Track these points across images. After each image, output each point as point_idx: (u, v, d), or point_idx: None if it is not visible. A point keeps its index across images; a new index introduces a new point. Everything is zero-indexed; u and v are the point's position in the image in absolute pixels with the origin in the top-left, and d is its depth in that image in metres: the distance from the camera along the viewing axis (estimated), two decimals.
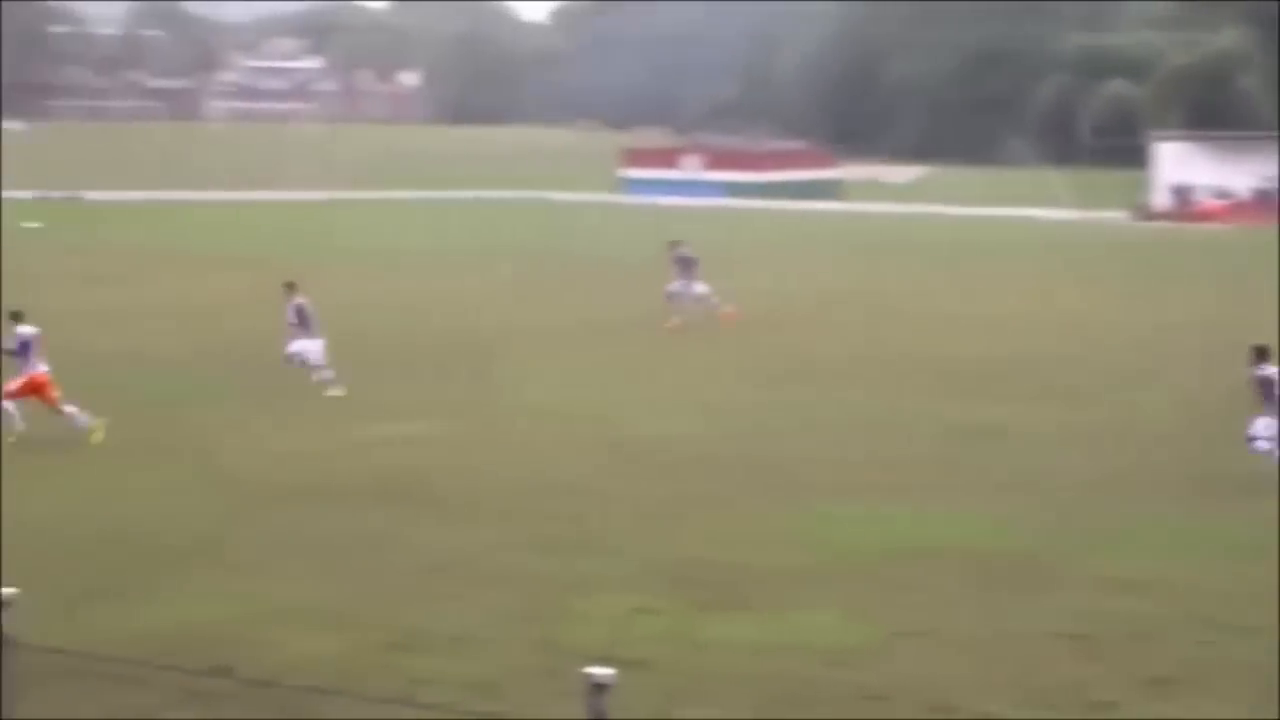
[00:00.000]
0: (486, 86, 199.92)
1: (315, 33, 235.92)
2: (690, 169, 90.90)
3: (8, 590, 9.13)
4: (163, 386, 26.99)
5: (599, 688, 7.72)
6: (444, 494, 19.56)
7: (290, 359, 27.19)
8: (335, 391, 26.53)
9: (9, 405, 22.77)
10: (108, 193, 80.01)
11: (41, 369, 22.89)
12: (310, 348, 27.10)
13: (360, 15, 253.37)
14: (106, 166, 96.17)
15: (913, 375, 29.11)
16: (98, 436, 22.59)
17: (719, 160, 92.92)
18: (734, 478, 20.54)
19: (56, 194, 78.85)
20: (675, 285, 35.58)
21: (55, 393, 22.95)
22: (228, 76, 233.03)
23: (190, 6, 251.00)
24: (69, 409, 22.86)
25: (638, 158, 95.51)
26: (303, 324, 27.20)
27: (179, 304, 38.77)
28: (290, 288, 27.65)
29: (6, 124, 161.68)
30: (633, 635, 13.95)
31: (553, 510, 18.72)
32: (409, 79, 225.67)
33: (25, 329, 23.08)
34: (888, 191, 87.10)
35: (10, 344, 22.99)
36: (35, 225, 61.90)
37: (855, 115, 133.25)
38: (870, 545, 17.19)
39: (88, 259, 48.34)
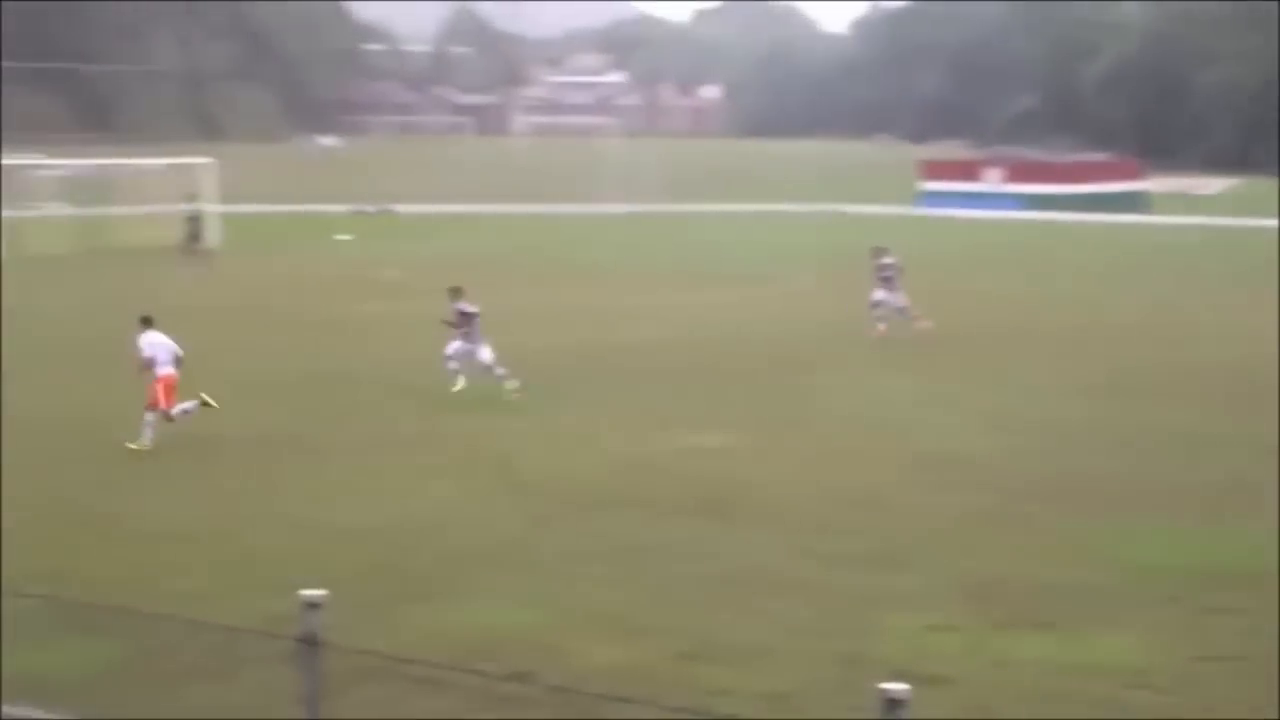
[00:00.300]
0: (786, 99, 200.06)
1: (619, 46, 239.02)
2: (990, 181, 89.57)
3: (318, 592, 9.45)
4: (466, 393, 27.56)
5: (894, 703, 7.68)
6: (743, 504, 19.62)
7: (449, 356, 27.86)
8: (460, 385, 27.23)
9: (175, 411, 23.42)
10: (416, 206, 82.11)
11: (169, 371, 23.54)
12: (464, 351, 27.70)
13: (663, 29, 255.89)
14: (415, 180, 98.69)
15: (1222, 392, 28.25)
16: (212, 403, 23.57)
17: (1020, 172, 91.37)
18: (1034, 493, 20.20)
19: (368, 207, 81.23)
20: (879, 294, 35.31)
21: (172, 401, 23.53)
22: (533, 91, 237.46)
23: (499, 22, 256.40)
24: (179, 408, 23.53)
25: (936, 170, 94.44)
26: (464, 327, 27.82)
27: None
28: (455, 292, 28.38)
29: (321, 139, 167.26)
30: (929, 651, 13.83)
31: (849, 523, 18.66)
32: (710, 92, 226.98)
33: (155, 336, 23.83)
34: (1197, 204, 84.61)
35: (145, 351, 23.60)
36: (346, 238, 63.84)
37: (1163, 125, 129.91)
38: (1173, 566, 16.75)
39: (393, 270, 49.63)
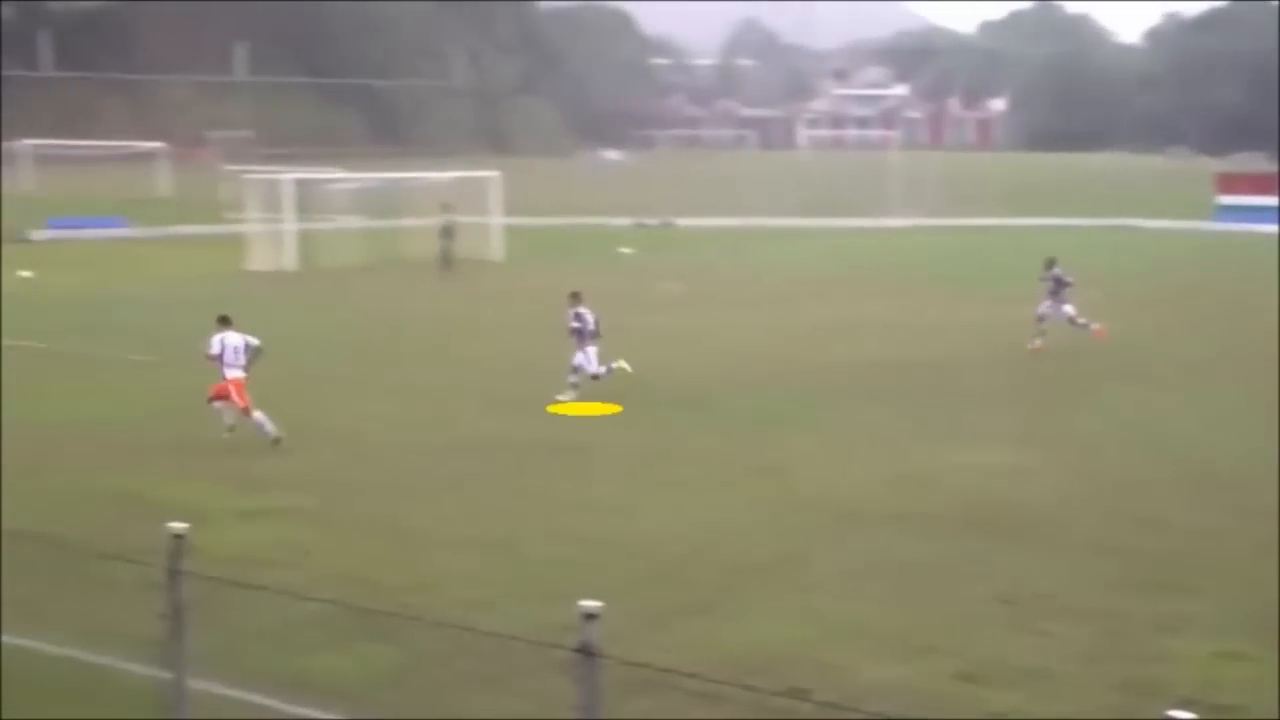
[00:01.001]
0: (1075, 111, 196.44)
1: (904, 58, 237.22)
2: None
3: (595, 604, 9.51)
4: (748, 407, 27.61)
5: None
6: (1019, 522, 19.27)
7: (578, 374, 28.30)
8: (564, 397, 27.74)
9: (258, 415, 24.15)
10: (698, 219, 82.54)
11: (236, 374, 24.34)
12: (584, 357, 28.34)
13: (949, 39, 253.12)
14: (697, 194, 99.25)
15: None
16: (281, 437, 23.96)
17: None
18: None
19: (650, 221, 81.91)
20: (1045, 306, 35.00)
21: (245, 400, 24.32)
22: (817, 104, 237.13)
23: (786, 35, 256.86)
24: (257, 415, 24.14)
25: (1233, 184, 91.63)
26: (582, 333, 28.41)
27: (761, 327, 39.58)
28: (575, 298, 29.00)
29: (606, 153, 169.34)
30: (1218, 680, 13.40)
31: (1130, 543, 18.19)
32: (997, 105, 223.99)
33: (233, 336, 24.63)
34: None
35: (213, 349, 24.47)
36: (628, 251, 64.44)
37: None
38: None
39: (674, 283, 49.92)
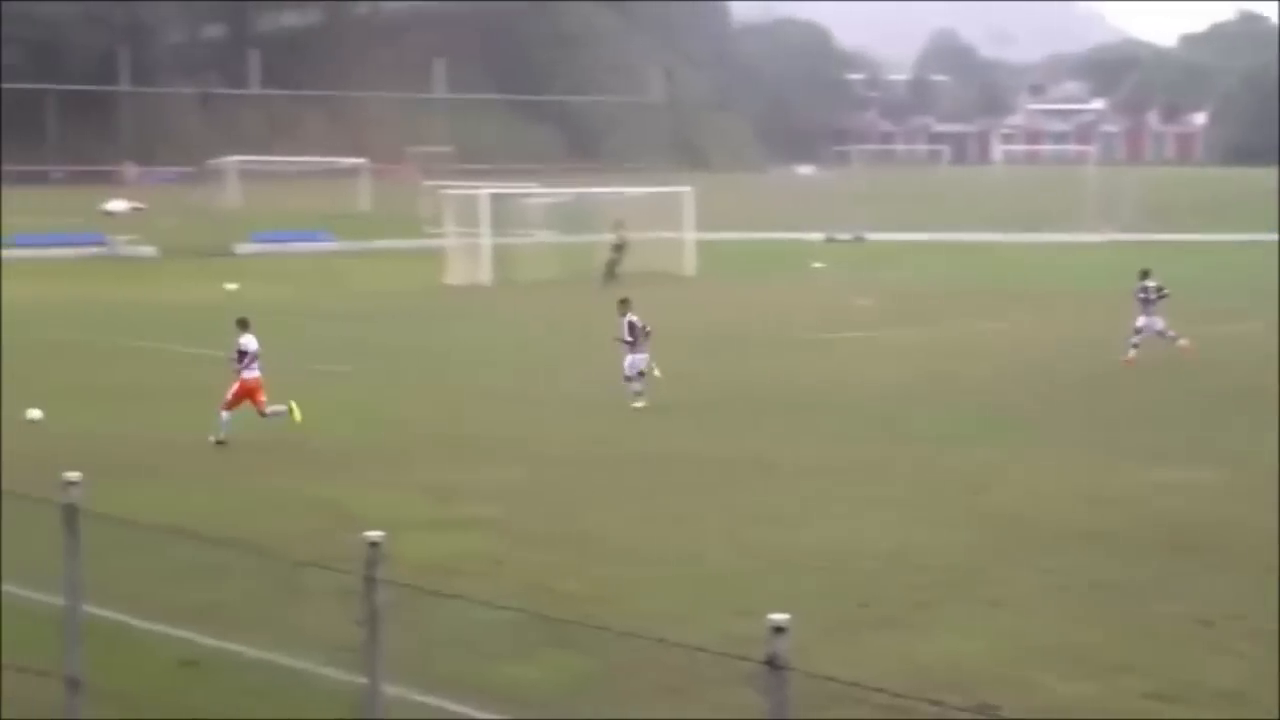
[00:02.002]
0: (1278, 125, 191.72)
1: (1102, 72, 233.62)
2: None
3: (783, 616, 9.56)
4: (937, 421, 27.46)
5: None
6: (1215, 543, 18.92)
7: (628, 377, 29.02)
8: (639, 404, 28.58)
9: (272, 410, 25.39)
10: (891, 234, 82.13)
11: (253, 374, 25.47)
12: (636, 362, 29.07)
13: (1148, 52, 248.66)
14: (890, 208, 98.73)
15: None
16: (296, 416, 25.44)
17: None
18: None
19: (842, 235, 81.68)
20: (1142, 319, 34.98)
21: (262, 398, 25.49)
22: (1011, 119, 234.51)
23: (982, 49, 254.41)
24: (271, 409, 25.36)
25: None
26: (634, 340, 29.18)
27: (949, 341, 39.30)
28: (624, 304, 29.90)
29: (799, 168, 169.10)
30: None
31: None
32: (1198, 119, 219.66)
33: (248, 339, 25.61)
34: None
35: (233, 352, 25.56)
36: (820, 265, 64.37)
37: None
38: None
39: (865, 297, 49.76)
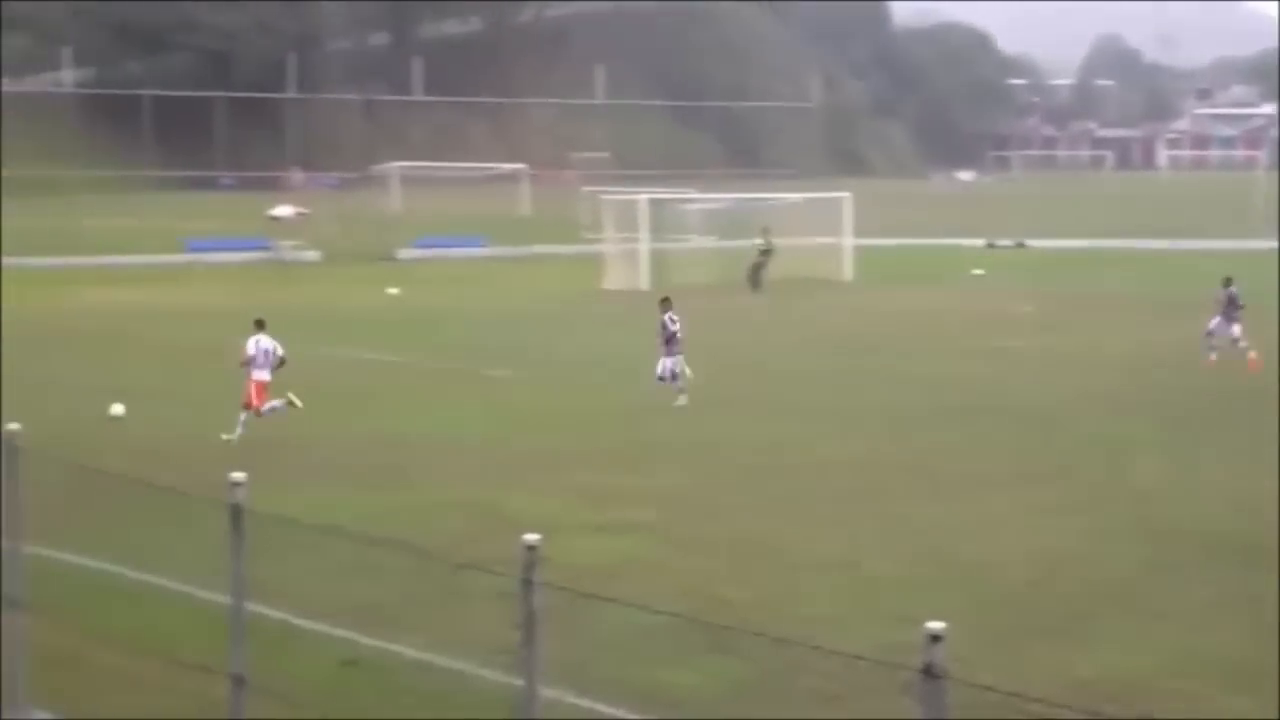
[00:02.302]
0: None
1: (1271, 75, 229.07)
2: None
3: (940, 625, 9.48)
4: (1102, 430, 27.09)
5: None
6: None
7: (676, 381, 29.83)
8: (681, 402, 29.44)
9: (268, 407, 26.13)
10: (1052, 240, 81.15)
11: (263, 376, 26.21)
12: (669, 364, 30.01)
13: None
14: (1052, 215, 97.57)
15: None
16: (296, 403, 26.38)
17: None
18: None
19: (1003, 242, 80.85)
20: (1214, 323, 35.47)
21: (263, 399, 26.20)
22: (1178, 124, 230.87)
23: (1147, 53, 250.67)
24: (268, 406, 26.16)
25: None
26: (668, 341, 30.14)
27: (1111, 349, 38.74)
28: (665, 303, 30.83)
29: (959, 174, 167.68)
30: None
31: None
32: None
33: (265, 340, 26.43)
34: None
35: (249, 350, 26.32)
36: (980, 272, 63.73)
37: None
38: None
39: (1025, 305, 49.21)
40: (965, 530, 19.90)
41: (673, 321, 30.33)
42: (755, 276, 56.35)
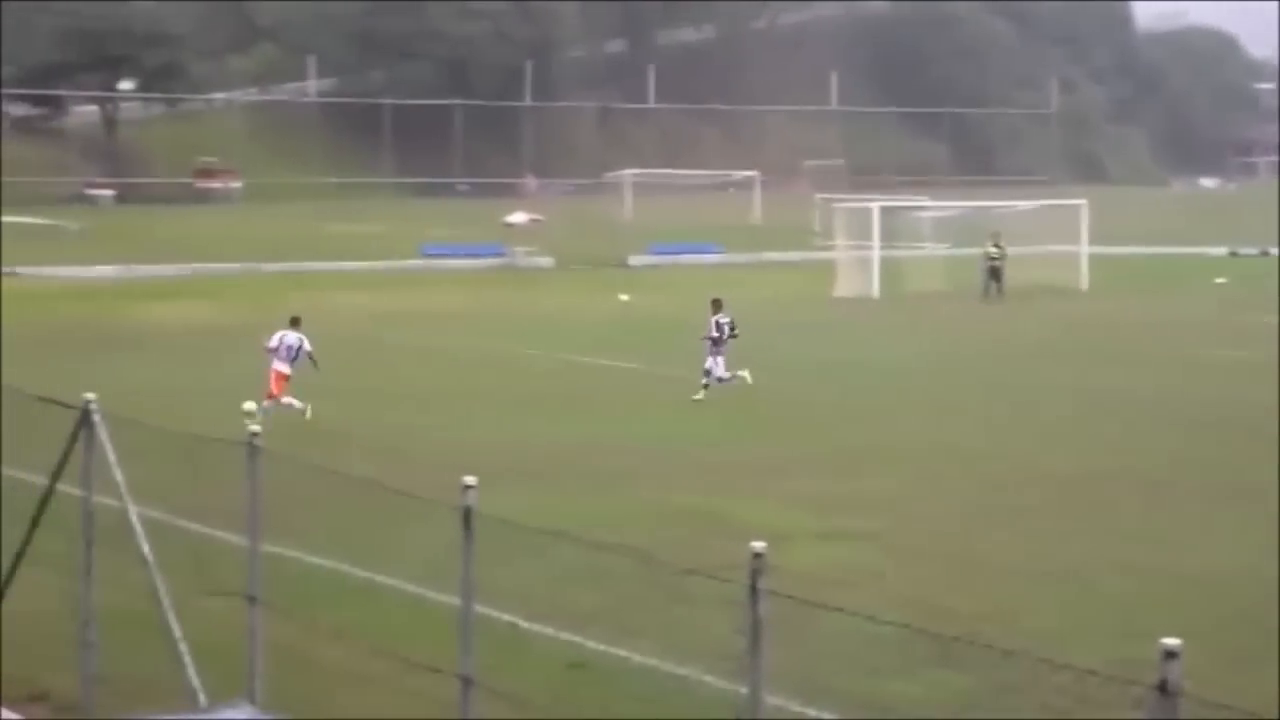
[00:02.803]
0: None
1: None
2: None
3: (1176, 641, 9.26)
4: None
5: None
6: None
7: (709, 378, 31.25)
8: (697, 397, 30.83)
9: (285, 401, 27.94)
10: None
11: (282, 369, 28.39)
12: (716, 365, 31.46)
13: None
14: None
15: None
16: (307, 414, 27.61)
17: None
18: None
19: (1248, 250, 78.84)
20: None
21: (279, 390, 28.22)
22: None
23: None
24: (286, 400, 28.06)
25: None
26: (716, 342, 31.54)
27: None
28: (716, 305, 32.18)
29: (1203, 180, 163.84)
30: None
31: None
32: None
33: (290, 337, 28.61)
34: None
35: (271, 343, 28.63)
36: (1222, 281, 62.27)
37: None
38: None
39: (1269, 315, 47.90)
40: (1196, 543, 19.42)
41: (718, 327, 31.58)
42: (988, 283, 55.78)
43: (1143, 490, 22.82)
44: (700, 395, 31.01)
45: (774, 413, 30.06)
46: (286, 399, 28.22)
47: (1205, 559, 18.68)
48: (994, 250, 56.68)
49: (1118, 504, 21.86)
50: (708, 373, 31.36)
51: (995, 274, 56.19)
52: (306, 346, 28.83)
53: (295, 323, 29.34)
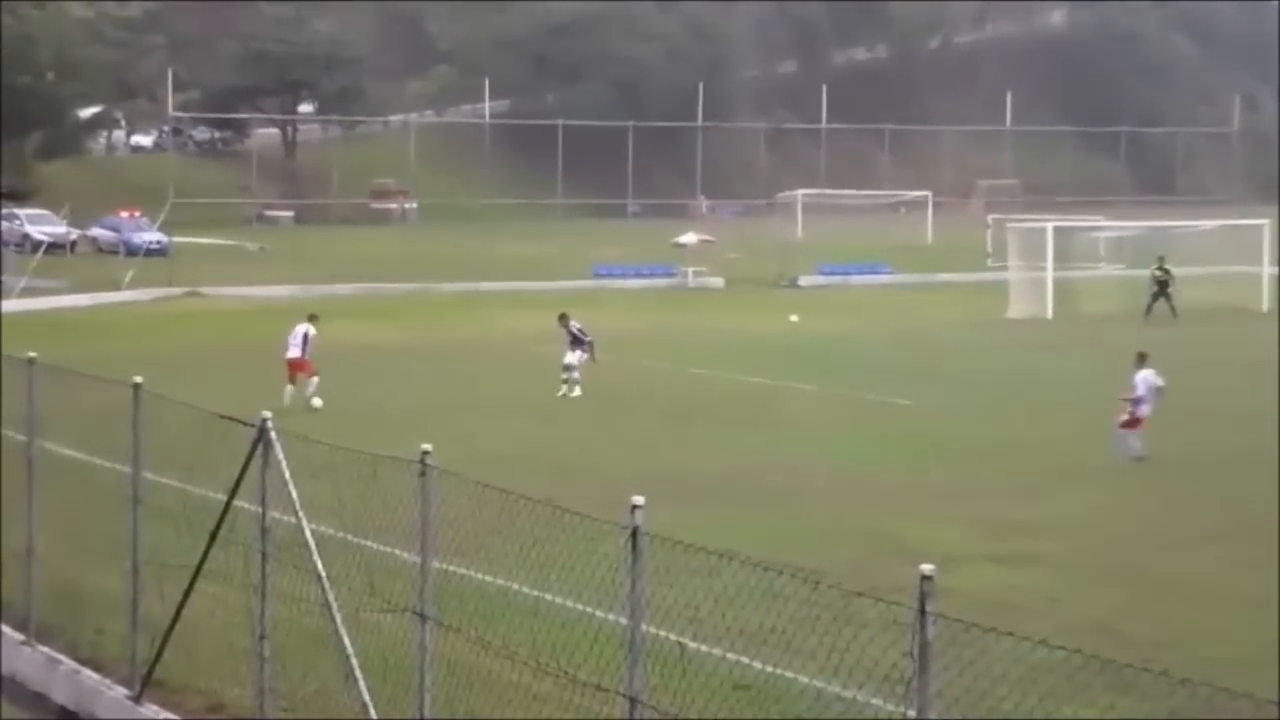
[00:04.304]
0: None
1: None
2: None
3: None
4: None
5: None
6: None
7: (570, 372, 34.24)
8: (573, 394, 33.88)
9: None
10: None
11: (294, 354, 32.74)
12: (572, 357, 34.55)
13: None
14: None
15: None
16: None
17: None
18: None
19: None
20: None
21: (304, 375, 32.50)
22: None
23: None
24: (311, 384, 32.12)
25: None
26: (576, 341, 34.79)
27: None
28: (562, 318, 35.43)
29: None
30: None
31: None
32: None
33: (303, 327, 32.98)
34: None
35: (295, 338, 32.83)
36: None
37: None
38: None
39: None
40: None
41: (574, 332, 34.99)
42: (1152, 304, 55.19)
43: None
44: (564, 392, 34.02)
45: (948, 435, 29.79)
46: (312, 386, 32.42)
47: None
48: (1158, 272, 56.01)
49: None
50: (568, 367, 34.52)
51: (1163, 295, 55.47)
52: (312, 333, 33.17)
53: (313, 319, 33.79)
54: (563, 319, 35.71)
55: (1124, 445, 26.75)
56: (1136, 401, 26.97)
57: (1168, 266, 56.23)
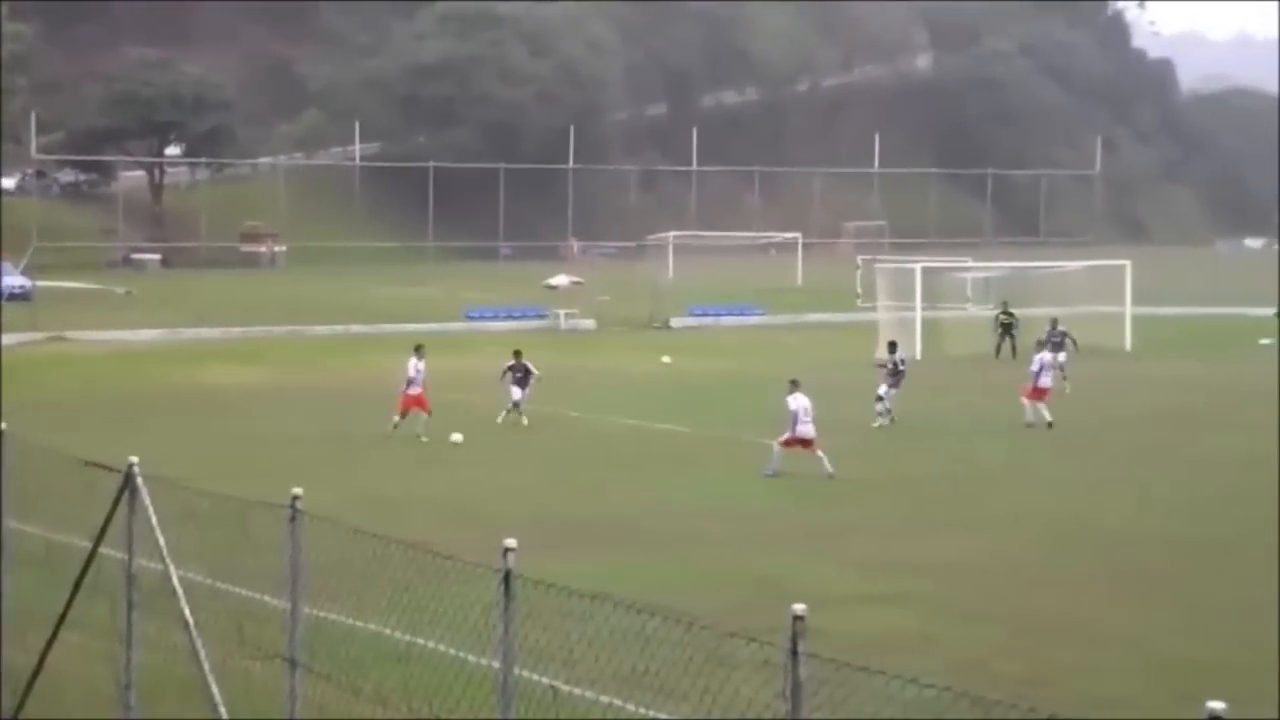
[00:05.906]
0: None
1: None
2: None
3: (1221, 705, 9.14)
4: None
5: None
6: None
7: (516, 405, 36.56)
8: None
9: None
10: None
11: (417, 391, 34.49)
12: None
13: None
14: None
15: None
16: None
17: None
18: None
19: None
20: None
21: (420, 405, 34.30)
22: None
23: None
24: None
25: None
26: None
27: None
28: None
29: (1248, 241, 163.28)
30: None
31: None
32: None
33: (416, 360, 34.49)
34: None
35: (410, 373, 34.33)
36: (1267, 342, 61.92)
37: None
38: None
39: None
40: (1266, 613, 19.14)
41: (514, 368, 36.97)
42: (999, 345, 56.40)
43: (1221, 555, 22.58)
44: (502, 417, 36.25)
45: (824, 476, 29.95)
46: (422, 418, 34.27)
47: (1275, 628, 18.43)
48: (1003, 315, 57.44)
49: (1198, 570, 21.63)
50: (516, 404, 36.63)
51: (1009, 335, 56.80)
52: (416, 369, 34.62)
53: (421, 350, 35.36)
54: (517, 355, 37.69)
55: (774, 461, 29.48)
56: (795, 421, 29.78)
57: (1012, 310, 57.57)
